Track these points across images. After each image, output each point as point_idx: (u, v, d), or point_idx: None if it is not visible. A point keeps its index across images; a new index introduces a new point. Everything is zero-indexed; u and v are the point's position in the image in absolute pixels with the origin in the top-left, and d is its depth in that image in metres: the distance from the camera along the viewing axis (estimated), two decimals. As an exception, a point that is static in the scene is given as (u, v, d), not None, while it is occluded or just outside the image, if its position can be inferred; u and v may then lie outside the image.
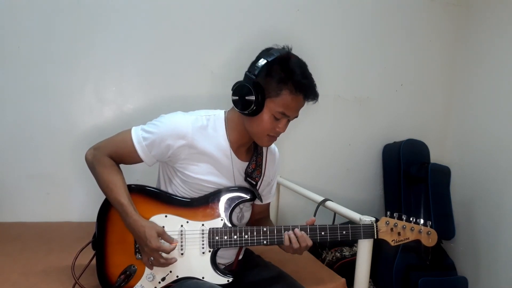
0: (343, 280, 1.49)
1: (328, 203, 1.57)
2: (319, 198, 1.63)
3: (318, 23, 2.20)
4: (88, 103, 1.85)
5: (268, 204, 1.46)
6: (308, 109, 2.13)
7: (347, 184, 2.42)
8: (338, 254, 2.06)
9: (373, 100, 2.41)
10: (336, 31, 2.25)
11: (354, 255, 2.02)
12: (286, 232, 1.19)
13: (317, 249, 2.08)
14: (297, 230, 1.18)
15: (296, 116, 1.20)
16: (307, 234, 1.19)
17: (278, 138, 1.24)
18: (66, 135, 1.82)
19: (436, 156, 2.44)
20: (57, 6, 1.73)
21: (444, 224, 2.18)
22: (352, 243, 2.11)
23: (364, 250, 1.33)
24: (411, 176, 2.27)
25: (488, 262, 2.29)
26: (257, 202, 1.39)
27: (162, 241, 1.14)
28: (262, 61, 1.12)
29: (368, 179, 2.49)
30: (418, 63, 2.51)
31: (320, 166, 2.35)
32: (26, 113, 1.76)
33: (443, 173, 2.27)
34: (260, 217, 1.45)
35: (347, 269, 1.84)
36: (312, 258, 1.72)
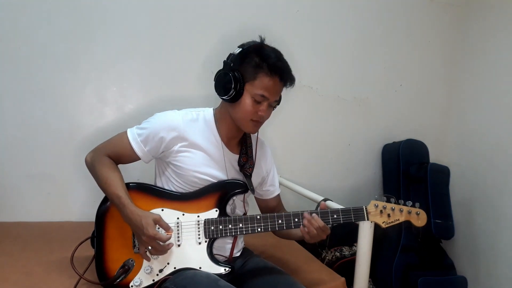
0: (343, 279, 1.50)
1: (328, 203, 1.58)
2: (319, 198, 1.64)
3: (318, 23, 2.20)
4: (88, 103, 1.85)
5: (279, 196, 1.50)
6: (308, 109, 2.14)
7: (347, 184, 2.43)
8: (338, 254, 2.07)
9: (373, 100, 2.42)
10: (336, 31, 2.25)
11: (353, 254, 2.02)
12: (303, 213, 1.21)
13: (317, 248, 2.09)
14: (306, 214, 1.21)
15: (277, 100, 1.25)
16: (299, 219, 1.22)
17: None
18: (66, 135, 1.82)
19: (435, 156, 2.45)
20: (57, 6, 1.73)
21: (444, 223, 2.18)
22: (351, 242, 2.12)
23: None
24: (411, 176, 2.28)
25: (487, 262, 2.29)
26: (265, 196, 1.45)
27: (160, 230, 1.17)
28: (238, 49, 1.21)
29: (368, 179, 2.49)
30: (418, 63, 2.51)
31: (320, 166, 2.35)
32: (26, 113, 1.76)
33: (443, 173, 2.27)
34: (276, 211, 1.47)
35: (346, 269, 1.84)
36: (311, 257, 1.72)
